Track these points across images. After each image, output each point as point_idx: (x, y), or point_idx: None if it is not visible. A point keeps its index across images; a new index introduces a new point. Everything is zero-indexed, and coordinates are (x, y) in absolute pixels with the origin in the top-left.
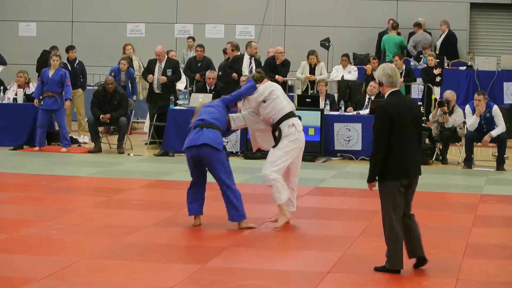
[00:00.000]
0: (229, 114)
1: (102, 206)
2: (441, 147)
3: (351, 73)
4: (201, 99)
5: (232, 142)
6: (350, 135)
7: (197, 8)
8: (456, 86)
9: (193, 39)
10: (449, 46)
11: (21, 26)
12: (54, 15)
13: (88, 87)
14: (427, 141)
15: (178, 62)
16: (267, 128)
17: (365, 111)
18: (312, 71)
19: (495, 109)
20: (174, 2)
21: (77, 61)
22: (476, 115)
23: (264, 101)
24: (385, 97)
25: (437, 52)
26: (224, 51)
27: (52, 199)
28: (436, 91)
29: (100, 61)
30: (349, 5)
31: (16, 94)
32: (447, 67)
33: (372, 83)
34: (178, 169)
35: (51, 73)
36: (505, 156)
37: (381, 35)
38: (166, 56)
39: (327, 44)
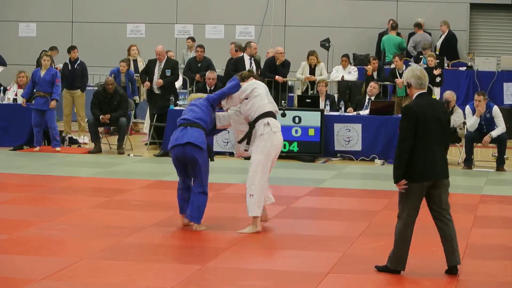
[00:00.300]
0: (216, 113)
1: (102, 207)
2: None
3: (351, 74)
4: None
5: (232, 142)
6: (350, 136)
7: (197, 9)
8: (456, 86)
9: (192, 40)
10: (449, 47)
11: (21, 26)
12: (54, 16)
13: (88, 88)
14: None
15: (177, 63)
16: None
17: (365, 112)
18: (312, 71)
19: (495, 109)
20: (174, 2)
21: (78, 62)
22: (476, 116)
23: (246, 98)
24: (413, 98)
25: (437, 52)
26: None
27: (52, 199)
28: (436, 91)
29: (100, 62)
30: (349, 5)
31: (16, 95)
32: (447, 68)
33: (372, 83)
34: None
35: (42, 73)
36: (505, 156)
37: (381, 35)
38: (166, 57)
39: (327, 45)
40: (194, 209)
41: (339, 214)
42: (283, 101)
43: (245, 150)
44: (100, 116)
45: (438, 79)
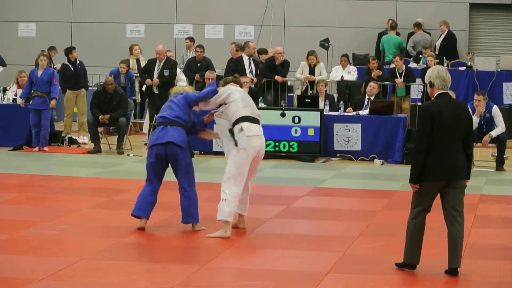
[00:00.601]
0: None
1: (102, 207)
2: None
3: (350, 74)
4: None
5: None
6: (349, 136)
7: (197, 9)
8: (455, 86)
9: (191, 40)
10: (449, 47)
11: (20, 26)
12: (53, 16)
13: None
14: None
15: (176, 63)
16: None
17: (364, 112)
18: (311, 71)
19: (495, 109)
20: (174, 2)
21: (78, 61)
22: (476, 115)
23: (225, 104)
24: (433, 98)
25: (437, 52)
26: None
27: (51, 199)
28: None
29: (100, 62)
30: (348, 5)
31: (15, 95)
32: (446, 68)
33: (371, 83)
34: None
35: (39, 73)
36: (504, 156)
37: (380, 35)
38: (166, 56)
39: (327, 45)
40: (194, 209)
41: (339, 214)
42: (282, 101)
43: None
44: (100, 116)
45: None
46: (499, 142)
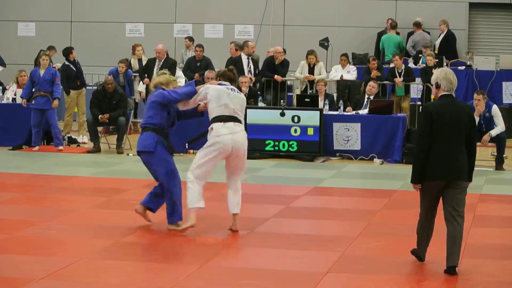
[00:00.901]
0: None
1: (101, 206)
2: None
3: (350, 73)
4: None
5: None
6: (349, 135)
7: (196, 8)
8: None
9: (190, 39)
10: (448, 46)
11: (20, 26)
12: (53, 15)
13: (87, 87)
14: None
15: (176, 62)
16: None
17: (364, 111)
18: (311, 70)
19: (495, 108)
20: (173, 2)
21: (76, 61)
22: (476, 115)
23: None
24: (436, 99)
25: (436, 52)
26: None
27: (51, 199)
28: None
29: (99, 61)
30: (348, 5)
31: (15, 94)
32: (446, 67)
33: (371, 82)
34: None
35: (41, 72)
36: (504, 155)
37: (380, 34)
38: (166, 56)
39: (326, 44)
40: (167, 212)
41: (338, 214)
42: (282, 101)
43: None
44: (99, 116)
45: None
46: (499, 141)
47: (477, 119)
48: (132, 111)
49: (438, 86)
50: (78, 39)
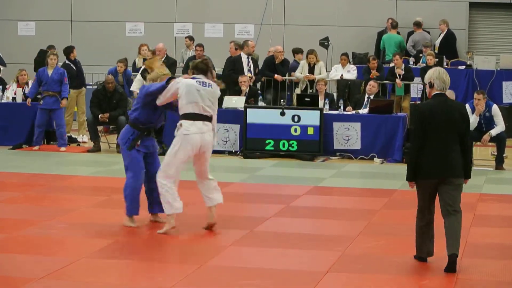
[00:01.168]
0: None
1: (101, 206)
2: None
3: (350, 72)
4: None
5: (231, 141)
6: (349, 134)
7: (196, 8)
8: (455, 85)
9: (190, 39)
10: (448, 46)
11: (20, 25)
12: (53, 15)
13: (87, 86)
14: None
15: (176, 62)
16: None
17: (364, 110)
18: (311, 70)
19: (495, 108)
20: (173, 1)
21: (77, 60)
22: (476, 115)
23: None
24: (429, 98)
25: (436, 51)
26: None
27: (51, 198)
28: None
29: (99, 61)
30: (348, 4)
31: (15, 93)
32: (446, 67)
33: (371, 82)
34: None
35: (50, 72)
36: (504, 155)
37: (380, 34)
38: (166, 55)
39: (326, 43)
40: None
41: (338, 213)
42: (282, 100)
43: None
44: (99, 115)
45: None
46: (499, 141)
47: (477, 118)
48: None
49: (431, 86)
50: (78, 38)
